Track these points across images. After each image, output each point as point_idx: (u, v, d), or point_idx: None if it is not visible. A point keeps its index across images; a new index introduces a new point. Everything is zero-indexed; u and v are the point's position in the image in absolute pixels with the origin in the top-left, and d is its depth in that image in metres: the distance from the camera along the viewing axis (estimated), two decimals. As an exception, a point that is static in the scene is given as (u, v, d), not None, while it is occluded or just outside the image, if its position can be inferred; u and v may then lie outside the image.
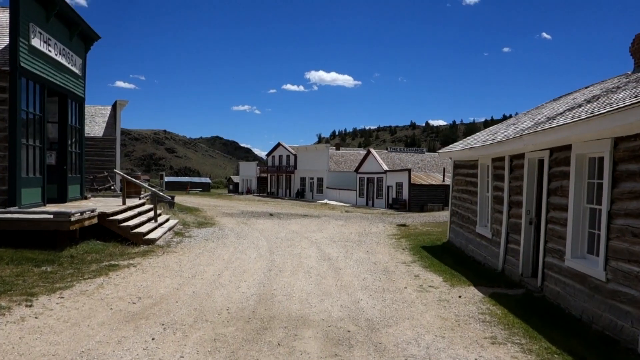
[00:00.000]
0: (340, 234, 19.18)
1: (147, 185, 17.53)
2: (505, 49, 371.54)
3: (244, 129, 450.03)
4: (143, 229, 14.43)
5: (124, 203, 16.38)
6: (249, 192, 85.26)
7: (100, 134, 35.76)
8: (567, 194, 7.94)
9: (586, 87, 12.38)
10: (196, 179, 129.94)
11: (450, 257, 13.21)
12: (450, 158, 16.28)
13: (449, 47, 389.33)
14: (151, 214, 17.50)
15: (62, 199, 16.76)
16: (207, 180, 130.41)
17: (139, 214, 16.53)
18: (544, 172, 8.88)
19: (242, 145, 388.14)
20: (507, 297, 8.62)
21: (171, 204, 27.31)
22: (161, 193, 17.45)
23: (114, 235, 13.60)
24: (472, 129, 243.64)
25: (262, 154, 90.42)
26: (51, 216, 11.24)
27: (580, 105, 9.06)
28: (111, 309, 6.88)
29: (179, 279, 9.26)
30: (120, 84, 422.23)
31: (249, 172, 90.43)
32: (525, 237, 9.78)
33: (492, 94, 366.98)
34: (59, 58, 16.01)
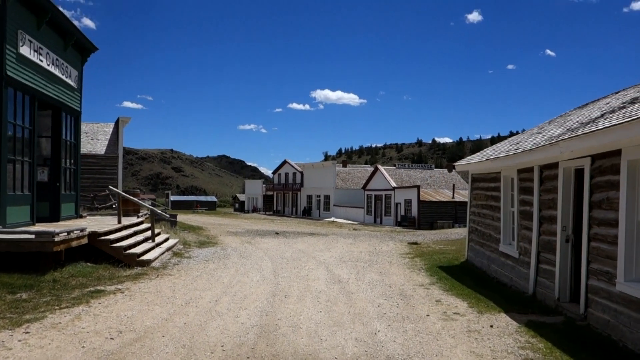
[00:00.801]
0: (350, 254, 18.07)
1: (145, 204, 16.56)
2: (510, 66, 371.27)
3: (251, 147, 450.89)
4: (138, 249, 13.39)
5: (119, 222, 15.36)
6: (254, 210, 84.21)
7: (102, 152, 34.97)
8: (616, 206, 6.85)
9: (617, 92, 11.35)
10: (202, 198, 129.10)
11: (471, 279, 12.08)
12: (464, 172, 15.22)
13: (454, 65, 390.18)
14: (149, 233, 16.48)
15: (55, 217, 15.75)
16: (213, 199, 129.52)
17: (135, 233, 15.49)
18: (585, 182, 7.80)
19: (249, 164, 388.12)
20: (546, 327, 7.49)
21: (173, 223, 26.31)
22: (159, 211, 16.47)
23: (106, 257, 12.57)
24: (478, 145, 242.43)
25: (268, 172, 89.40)
26: (32, 236, 10.21)
27: (623, 107, 8.00)
28: (83, 347, 5.80)
29: (170, 306, 8.17)
30: (127, 104, 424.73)
31: (254, 190, 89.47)
32: (561, 257, 8.66)
33: (498, 110, 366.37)
34: (52, 68, 15.11)
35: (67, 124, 16.96)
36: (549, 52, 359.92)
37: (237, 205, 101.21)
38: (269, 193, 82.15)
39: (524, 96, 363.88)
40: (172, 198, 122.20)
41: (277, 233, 28.22)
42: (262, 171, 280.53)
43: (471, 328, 7.43)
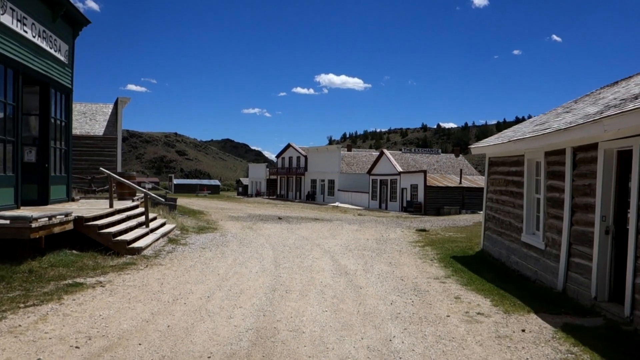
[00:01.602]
0: (356, 241, 17.08)
1: (139, 187, 15.57)
2: (516, 52, 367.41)
3: (255, 131, 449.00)
4: (128, 235, 12.41)
5: (110, 206, 14.38)
6: (258, 194, 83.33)
7: (101, 133, 33.93)
8: (675, 194, 5.81)
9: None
10: (205, 182, 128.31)
11: (489, 271, 11.08)
12: (476, 156, 14.15)
13: (459, 50, 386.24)
14: (143, 218, 15.54)
15: (43, 200, 14.77)
16: (217, 182, 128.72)
17: (128, 218, 14.52)
18: (634, 166, 6.74)
19: (253, 148, 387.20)
20: (586, 332, 6.48)
21: (172, 207, 25.38)
22: (155, 195, 15.49)
23: (95, 244, 11.61)
24: (484, 131, 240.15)
25: (272, 156, 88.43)
26: (7, 221, 9.23)
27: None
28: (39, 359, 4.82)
29: (154, 304, 7.19)
30: (132, 87, 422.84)
31: (258, 174, 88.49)
32: (600, 251, 7.63)
33: (503, 96, 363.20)
34: (38, 41, 14.05)
35: (57, 101, 15.91)
36: (555, 37, 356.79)
37: (240, 189, 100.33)
38: (273, 177, 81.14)
39: (530, 82, 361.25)
40: (175, 182, 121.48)
41: (280, 218, 27.27)
42: (266, 155, 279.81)
43: (500, 333, 6.43)
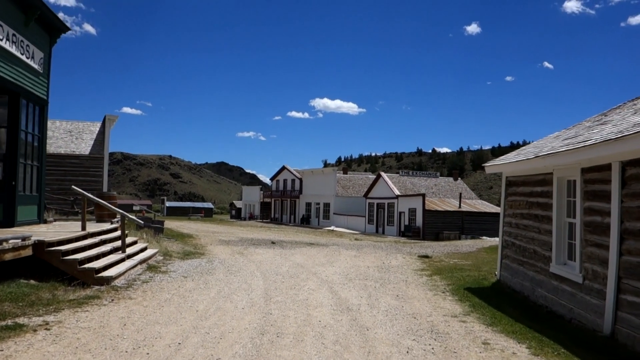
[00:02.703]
0: (356, 269, 15.57)
1: (115, 208, 14.06)
2: (508, 78, 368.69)
3: (249, 155, 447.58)
4: (99, 262, 10.86)
5: (83, 228, 12.85)
6: (251, 217, 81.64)
7: (87, 152, 32.48)
8: None
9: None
10: (198, 204, 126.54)
11: (513, 307, 9.60)
12: (495, 174, 12.73)
13: (452, 76, 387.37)
14: (119, 243, 14.04)
15: (8, 222, 13.23)
16: (210, 205, 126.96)
17: (102, 242, 12.98)
18: None
19: (248, 171, 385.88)
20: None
21: (159, 230, 23.82)
22: (134, 217, 14.00)
23: (60, 273, 10.08)
24: (479, 155, 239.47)
25: (267, 180, 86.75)
26: (-58, 247, 7.72)
27: None
28: None
29: (107, 355, 5.65)
30: (127, 109, 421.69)
31: (252, 197, 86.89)
32: (665, 288, 6.18)
33: (497, 121, 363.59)
34: (6, 45, 12.65)
35: (29, 113, 14.47)
36: (547, 64, 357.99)
37: (233, 212, 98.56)
38: (267, 200, 79.52)
39: (523, 108, 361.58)
40: (167, 204, 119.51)
41: (273, 242, 25.73)
42: (261, 178, 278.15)
43: (555, 397, 4.94)
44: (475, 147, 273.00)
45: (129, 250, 13.73)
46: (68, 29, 16.14)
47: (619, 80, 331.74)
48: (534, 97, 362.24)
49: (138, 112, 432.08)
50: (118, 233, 15.51)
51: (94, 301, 8.39)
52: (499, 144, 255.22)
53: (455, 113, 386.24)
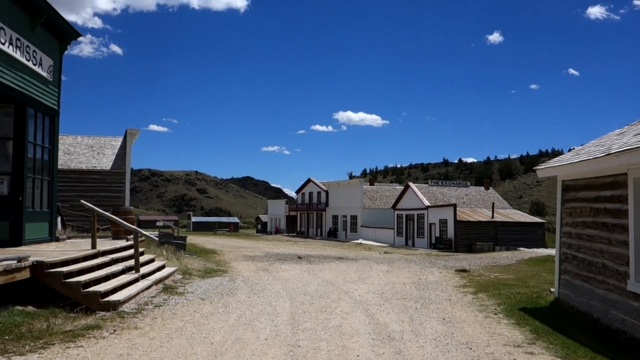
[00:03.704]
0: (391, 286, 14.22)
1: (128, 224, 12.95)
2: (533, 86, 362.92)
3: (274, 169, 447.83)
4: (105, 285, 9.71)
5: (93, 247, 11.76)
6: (277, 231, 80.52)
7: (109, 167, 31.77)
8: None
9: None
10: (224, 219, 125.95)
11: (582, 332, 8.16)
12: (548, 178, 11.27)
13: (476, 85, 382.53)
14: (140, 260, 12.94)
15: (16, 241, 12.22)
16: (236, 220, 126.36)
17: (114, 261, 11.86)
18: None
19: (273, 185, 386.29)
20: None
21: (180, 246, 22.78)
22: (146, 232, 12.91)
23: (63, 297, 8.98)
24: (507, 165, 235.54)
25: (292, 193, 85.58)
26: None
27: None
28: None
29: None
30: (153, 127, 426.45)
31: (277, 210, 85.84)
32: None
33: (523, 130, 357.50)
34: (10, 50, 11.69)
35: (38, 124, 13.51)
36: (572, 71, 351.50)
37: (259, 226, 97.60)
38: (293, 213, 78.36)
39: (549, 115, 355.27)
40: (193, 219, 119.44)
41: (299, 257, 24.48)
42: (286, 192, 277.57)
43: None
44: (502, 156, 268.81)
45: (144, 270, 12.60)
46: (79, 34, 15.22)
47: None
48: (560, 104, 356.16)
49: (164, 129, 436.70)
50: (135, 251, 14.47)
51: (92, 332, 7.20)
52: (527, 153, 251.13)
53: (480, 122, 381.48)
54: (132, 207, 17.47)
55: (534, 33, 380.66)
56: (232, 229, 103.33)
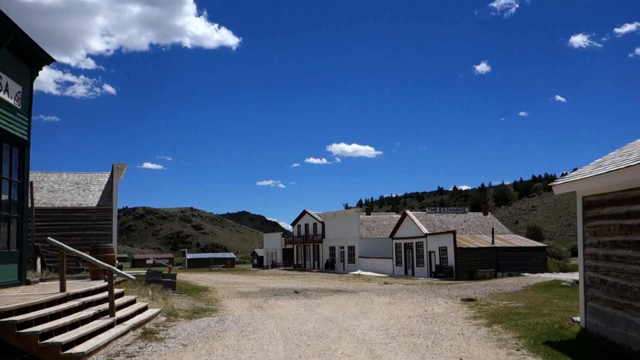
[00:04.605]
0: (396, 320, 12.97)
1: (98, 261, 11.71)
2: (522, 113, 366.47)
3: (270, 203, 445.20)
4: (69, 335, 8.44)
5: (62, 289, 10.51)
6: (274, 265, 78.85)
7: (95, 204, 30.52)
8: None
9: None
10: (220, 255, 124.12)
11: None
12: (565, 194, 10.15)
13: (466, 114, 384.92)
14: (117, 302, 11.70)
15: (-23, 285, 11.01)
16: (232, 255, 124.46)
17: (86, 305, 10.61)
18: None
19: (269, 219, 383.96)
20: None
21: (169, 285, 21.46)
22: (122, 271, 11.67)
23: (19, 351, 7.72)
24: (502, 191, 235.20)
25: (288, 227, 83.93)
26: None
27: None
28: None
29: None
30: (148, 164, 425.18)
31: (273, 244, 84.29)
32: None
33: (515, 156, 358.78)
34: (-33, 74, 10.67)
35: (4, 156, 12.37)
36: (559, 97, 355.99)
37: (255, 261, 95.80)
38: (289, 246, 76.81)
39: (540, 141, 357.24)
40: (189, 256, 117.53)
41: (296, 292, 23.18)
42: (283, 226, 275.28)
43: None
44: (496, 182, 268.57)
45: (121, 313, 11.34)
46: (52, 59, 14.20)
47: (630, 110, 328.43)
48: (550, 130, 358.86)
49: (159, 166, 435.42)
50: (115, 291, 13.22)
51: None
52: (521, 178, 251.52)
53: (472, 150, 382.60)
54: (112, 245, 16.25)
55: (520, 62, 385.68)
56: (229, 265, 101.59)
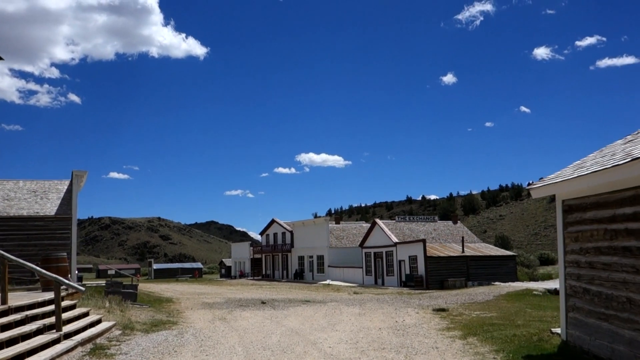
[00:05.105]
0: (365, 332, 12.33)
1: (43, 271, 10.79)
2: (488, 124, 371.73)
3: (239, 213, 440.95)
4: (5, 352, 7.58)
5: (3, 302, 9.58)
6: (242, 275, 77.60)
7: (53, 213, 29.18)
8: None
9: None
10: (187, 265, 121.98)
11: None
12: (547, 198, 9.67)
13: (433, 124, 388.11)
14: (67, 315, 10.82)
15: None
16: (199, 265, 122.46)
17: (30, 319, 9.71)
18: None
19: (238, 229, 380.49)
20: None
21: (129, 296, 20.49)
22: (71, 282, 10.76)
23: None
24: (470, 200, 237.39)
25: (257, 236, 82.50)
26: None
27: None
28: None
29: None
30: (114, 174, 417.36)
31: (241, 253, 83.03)
32: None
33: (482, 166, 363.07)
34: None
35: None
36: (524, 108, 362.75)
37: (223, 271, 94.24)
38: (257, 256, 75.65)
39: (506, 151, 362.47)
40: (155, 266, 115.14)
41: (263, 302, 22.37)
42: (252, 235, 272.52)
43: None
44: (464, 192, 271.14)
45: (70, 327, 10.45)
46: (0, 58, 13.30)
47: (592, 119, 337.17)
48: (515, 140, 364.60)
49: (125, 176, 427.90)
50: (66, 303, 12.30)
51: None
52: (488, 188, 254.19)
53: (440, 160, 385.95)
54: (64, 254, 15.25)
55: (486, 73, 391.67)
56: (197, 275, 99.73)
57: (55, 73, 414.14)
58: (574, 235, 8.82)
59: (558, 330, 10.00)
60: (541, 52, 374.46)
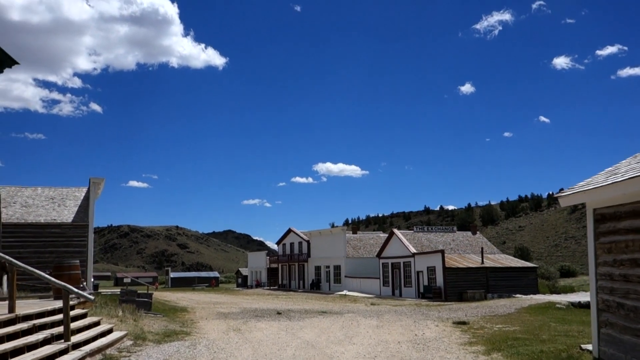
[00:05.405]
0: (384, 346, 11.87)
1: (51, 278, 10.53)
2: (506, 134, 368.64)
3: (256, 222, 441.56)
4: (8, 364, 7.29)
5: (10, 310, 9.32)
6: (258, 285, 77.29)
7: (70, 220, 29.13)
8: None
9: None
10: (204, 274, 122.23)
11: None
12: (575, 206, 9.17)
13: (452, 135, 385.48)
14: (77, 325, 10.53)
15: None
16: (216, 274, 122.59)
17: (38, 328, 9.43)
18: None
19: (255, 238, 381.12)
20: None
21: (144, 305, 20.20)
22: (77, 290, 10.46)
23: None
24: (488, 210, 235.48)
25: (274, 246, 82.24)
26: None
27: None
28: None
29: None
30: (133, 183, 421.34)
31: (258, 263, 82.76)
32: None
33: (501, 176, 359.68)
34: None
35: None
36: (543, 118, 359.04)
37: (239, 280, 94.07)
38: (274, 266, 75.33)
39: (525, 161, 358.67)
40: (172, 275, 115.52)
41: (279, 313, 21.97)
42: (269, 245, 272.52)
43: None
44: (482, 202, 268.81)
45: (79, 337, 10.15)
46: (14, 61, 13.16)
47: (613, 129, 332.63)
48: (534, 151, 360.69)
49: (144, 184, 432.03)
50: (76, 312, 12.04)
51: None
52: (507, 198, 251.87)
53: (458, 170, 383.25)
54: (77, 262, 15.01)
55: (504, 83, 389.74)
56: (213, 284, 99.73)
57: (77, 83, 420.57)
58: (606, 246, 8.32)
59: (589, 346, 9.48)
60: (561, 62, 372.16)
